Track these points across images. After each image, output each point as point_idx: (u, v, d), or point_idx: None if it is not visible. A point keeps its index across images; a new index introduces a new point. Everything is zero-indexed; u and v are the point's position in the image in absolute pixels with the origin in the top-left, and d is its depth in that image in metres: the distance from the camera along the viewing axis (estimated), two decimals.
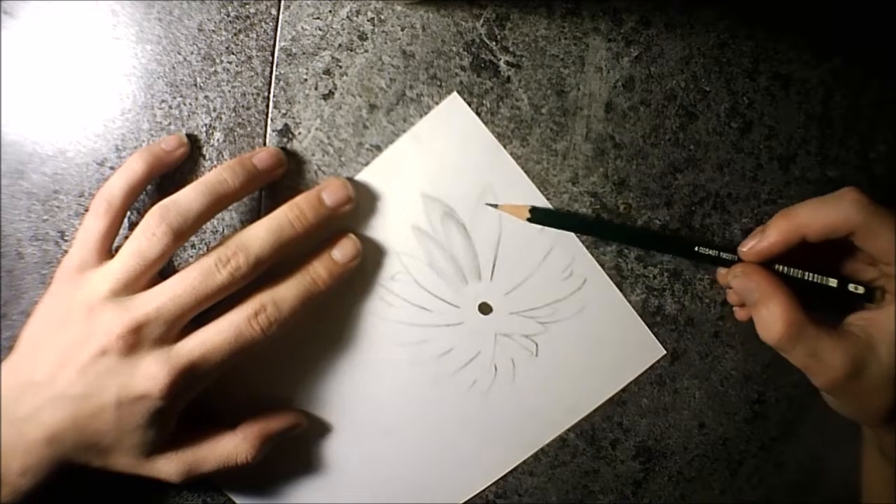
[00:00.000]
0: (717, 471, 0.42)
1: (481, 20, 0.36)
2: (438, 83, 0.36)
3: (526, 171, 0.37)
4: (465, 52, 0.36)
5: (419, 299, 0.38)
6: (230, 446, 0.35)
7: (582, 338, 0.38)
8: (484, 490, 0.41)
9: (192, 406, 0.34)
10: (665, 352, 0.39)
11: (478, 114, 0.36)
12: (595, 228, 0.37)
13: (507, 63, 0.36)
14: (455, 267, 0.37)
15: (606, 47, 0.36)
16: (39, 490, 0.32)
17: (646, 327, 0.39)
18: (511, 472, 0.40)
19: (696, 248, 0.36)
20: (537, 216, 0.36)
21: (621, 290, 0.38)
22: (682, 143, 0.37)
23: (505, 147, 0.37)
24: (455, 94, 0.36)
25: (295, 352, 0.38)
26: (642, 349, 0.39)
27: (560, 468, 0.41)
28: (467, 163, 0.36)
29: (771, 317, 0.32)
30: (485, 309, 0.38)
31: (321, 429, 0.39)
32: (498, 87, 0.36)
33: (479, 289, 0.38)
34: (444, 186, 0.36)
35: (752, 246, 0.34)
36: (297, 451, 0.39)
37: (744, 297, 0.34)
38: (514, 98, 0.36)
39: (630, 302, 0.39)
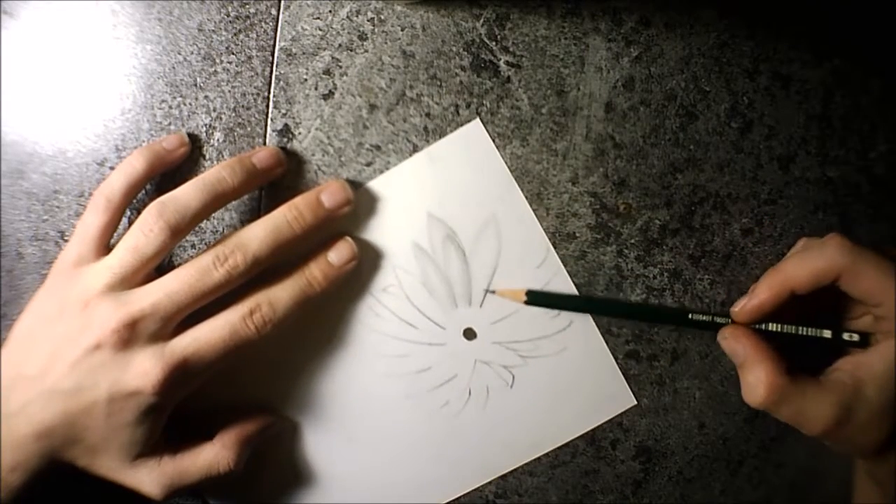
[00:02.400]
0: (717, 471, 0.42)
1: (481, 20, 0.36)
2: (438, 83, 0.36)
3: (526, 171, 0.37)
4: (465, 52, 0.36)
5: (407, 315, 0.38)
6: (211, 455, 0.35)
7: (558, 377, 0.39)
8: (484, 490, 0.41)
9: (171, 417, 0.34)
10: (636, 402, 0.40)
11: (478, 114, 0.36)
12: (590, 307, 0.38)
13: (507, 63, 0.36)
14: (448, 289, 0.37)
15: (606, 47, 0.36)
16: (30, 487, 0.32)
17: (621, 376, 0.39)
18: (511, 471, 0.40)
19: (691, 316, 0.36)
20: (534, 298, 0.37)
21: (621, 290, 0.38)
22: (682, 143, 0.37)
23: (505, 147, 0.37)
24: (478, 120, 0.36)
25: (276, 352, 0.38)
26: (614, 397, 0.40)
27: (560, 468, 0.41)
28: (477, 190, 0.37)
29: (755, 381, 0.33)
30: (469, 334, 0.38)
31: (295, 432, 0.39)
32: (498, 87, 0.36)
33: (467, 314, 0.38)
34: (451, 209, 0.37)
35: (743, 306, 0.34)
36: (272, 454, 0.39)
37: (731, 359, 0.35)
38: (514, 98, 0.36)
39: (630, 302, 0.39)
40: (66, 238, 0.37)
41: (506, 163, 0.37)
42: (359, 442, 0.39)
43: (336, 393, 0.39)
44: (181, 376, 0.31)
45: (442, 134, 0.36)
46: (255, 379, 0.38)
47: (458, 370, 0.39)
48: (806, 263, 0.33)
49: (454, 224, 0.37)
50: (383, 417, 0.39)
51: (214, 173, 0.33)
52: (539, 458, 0.40)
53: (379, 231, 0.37)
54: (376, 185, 0.37)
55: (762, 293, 0.34)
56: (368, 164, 0.36)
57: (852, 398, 0.32)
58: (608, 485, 0.41)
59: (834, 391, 0.32)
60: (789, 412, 0.32)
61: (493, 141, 0.37)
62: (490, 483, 0.40)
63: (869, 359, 0.32)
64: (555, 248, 0.38)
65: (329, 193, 0.34)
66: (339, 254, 0.35)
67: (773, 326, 0.34)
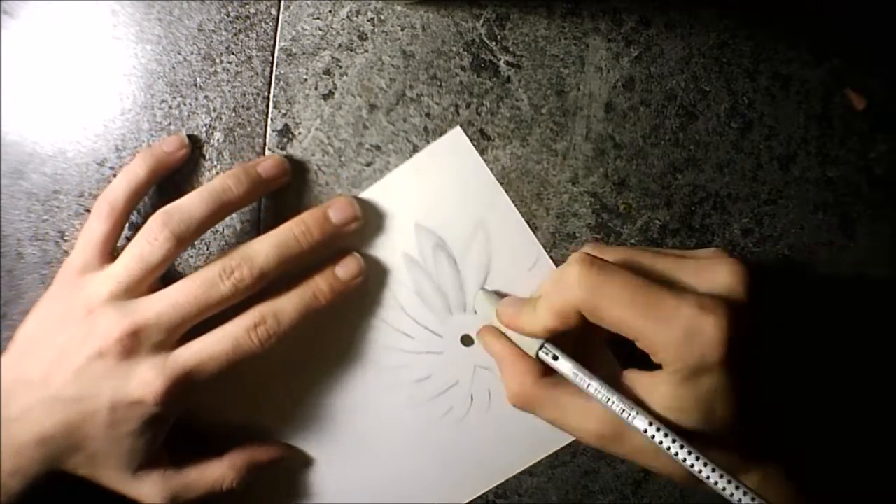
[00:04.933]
0: None
1: (481, 20, 0.36)
2: (438, 83, 0.36)
3: (526, 171, 0.37)
4: (465, 52, 0.36)
5: (403, 325, 0.38)
6: (217, 474, 0.35)
7: None
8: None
9: (177, 432, 0.34)
10: None
11: (478, 114, 0.36)
12: None
13: (507, 63, 0.36)
14: (441, 298, 0.37)
15: (606, 47, 0.36)
16: (30, 494, 0.32)
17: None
18: None
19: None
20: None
21: None
22: (682, 143, 0.37)
23: (505, 147, 0.37)
24: (458, 128, 0.36)
25: (275, 368, 0.38)
26: None
27: (560, 468, 0.41)
28: (464, 198, 0.37)
29: (507, 381, 0.32)
30: (467, 341, 0.38)
31: (298, 448, 0.39)
32: (498, 87, 0.36)
33: (462, 321, 0.38)
34: (439, 218, 0.37)
35: (510, 316, 0.32)
36: (275, 470, 0.39)
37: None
38: (514, 98, 0.36)
39: None
40: (66, 238, 0.37)
41: (501, 165, 0.37)
42: (362, 454, 0.39)
43: (336, 405, 0.38)
44: (183, 388, 0.31)
45: (442, 134, 0.36)
46: (252, 393, 0.38)
47: (458, 377, 0.39)
48: (545, 303, 0.30)
49: (443, 232, 0.37)
50: (386, 428, 0.39)
51: (219, 182, 0.33)
52: (539, 458, 0.40)
53: (369, 243, 0.37)
54: (362, 198, 0.37)
55: (525, 319, 0.31)
56: (368, 164, 0.36)
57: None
58: (608, 485, 0.41)
59: (599, 406, 0.29)
60: (550, 418, 0.31)
61: (493, 141, 0.37)
62: None
63: (644, 382, 0.29)
64: (555, 248, 0.38)
65: (336, 209, 0.34)
66: (346, 268, 0.35)
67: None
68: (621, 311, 0.28)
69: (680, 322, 0.27)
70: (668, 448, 0.27)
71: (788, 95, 0.37)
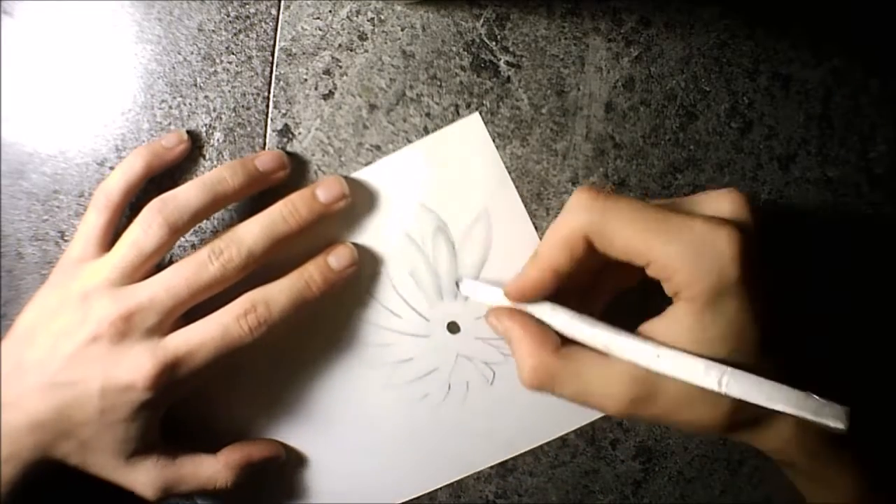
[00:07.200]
0: (717, 471, 0.42)
1: (481, 20, 0.36)
2: (438, 83, 0.36)
3: (526, 171, 0.37)
4: (465, 52, 0.36)
5: (392, 304, 0.38)
6: (211, 471, 0.35)
7: None
8: (484, 490, 0.41)
9: (173, 427, 0.34)
10: None
11: (478, 114, 0.36)
12: None
13: (507, 63, 0.36)
14: (434, 281, 0.37)
15: (606, 47, 0.36)
16: (25, 481, 0.32)
17: None
18: (511, 471, 0.40)
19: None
20: None
21: None
22: (682, 143, 0.37)
23: (505, 147, 0.37)
24: (477, 114, 0.36)
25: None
26: None
27: (560, 468, 0.41)
28: (471, 184, 0.37)
29: (518, 362, 0.29)
30: (453, 328, 0.38)
31: (274, 417, 0.39)
32: (498, 87, 0.36)
33: (452, 307, 0.38)
34: (443, 201, 0.37)
35: (509, 283, 0.31)
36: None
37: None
38: (514, 98, 0.36)
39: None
40: (66, 238, 0.37)
41: (504, 161, 0.37)
42: (337, 428, 0.39)
43: (315, 379, 0.38)
44: (173, 374, 0.32)
45: None
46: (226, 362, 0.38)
47: (439, 363, 0.38)
48: (551, 235, 0.28)
49: (446, 216, 0.37)
50: (360, 405, 0.39)
51: (216, 174, 0.33)
52: (539, 458, 0.40)
53: (368, 219, 0.37)
54: (369, 173, 0.36)
55: (528, 272, 0.29)
56: (368, 164, 0.36)
57: (651, 371, 0.27)
58: (608, 485, 0.41)
59: (626, 365, 0.27)
60: (571, 393, 0.28)
61: (493, 140, 0.37)
62: (490, 483, 0.40)
63: (663, 325, 0.28)
64: None
65: (324, 188, 0.34)
66: (338, 258, 0.35)
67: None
68: (632, 231, 0.27)
69: (692, 237, 0.26)
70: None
71: (788, 95, 0.38)
